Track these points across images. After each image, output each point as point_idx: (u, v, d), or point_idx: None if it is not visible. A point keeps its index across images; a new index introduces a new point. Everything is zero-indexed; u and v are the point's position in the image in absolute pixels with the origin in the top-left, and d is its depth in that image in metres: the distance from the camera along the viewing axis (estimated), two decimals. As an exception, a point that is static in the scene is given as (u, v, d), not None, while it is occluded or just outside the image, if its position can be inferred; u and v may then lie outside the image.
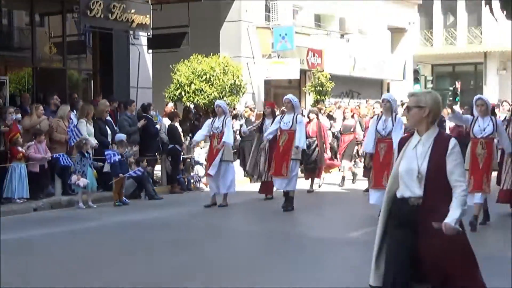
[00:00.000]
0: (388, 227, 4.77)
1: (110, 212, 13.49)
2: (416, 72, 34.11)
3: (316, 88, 24.90)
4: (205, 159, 15.33)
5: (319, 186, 16.98)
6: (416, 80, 33.72)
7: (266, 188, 14.41)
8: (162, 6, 19.36)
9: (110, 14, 16.62)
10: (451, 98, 32.42)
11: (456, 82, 35.09)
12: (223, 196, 13.90)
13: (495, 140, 11.50)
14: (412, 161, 4.59)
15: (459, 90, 32.51)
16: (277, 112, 15.70)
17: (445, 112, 14.36)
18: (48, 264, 8.92)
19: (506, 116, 13.15)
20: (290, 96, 13.77)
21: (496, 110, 17.27)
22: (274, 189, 14.04)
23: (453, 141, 4.67)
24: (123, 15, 16.97)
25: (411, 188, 4.56)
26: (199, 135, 14.48)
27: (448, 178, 4.54)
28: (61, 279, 7.88)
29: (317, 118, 16.85)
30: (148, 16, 17.62)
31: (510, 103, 17.53)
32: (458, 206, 4.47)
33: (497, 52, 38.37)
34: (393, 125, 11.28)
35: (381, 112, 11.89)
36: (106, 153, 14.60)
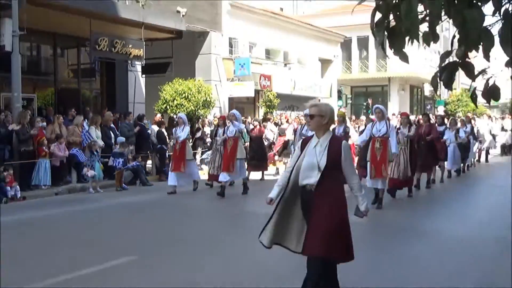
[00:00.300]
0: (288, 204, 4.79)
1: (113, 195, 13.53)
2: (339, 92, 34.95)
3: (266, 103, 25.09)
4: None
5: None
6: (339, 98, 34.49)
7: (213, 178, 13.79)
8: (152, 43, 19.46)
9: (113, 48, 16.62)
10: (365, 111, 33.36)
11: (368, 99, 36.14)
12: (193, 182, 13.94)
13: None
14: (313, 158, 4.63)
15: (370, 104, 33.00)
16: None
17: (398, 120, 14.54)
18: (66, 232, 9.13)
19: (396, 125, 12.96)
20: (234, 111, 14.07)
21: (395, 119, 18.05)
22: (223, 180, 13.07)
23: (344, 143, 4.80)
24: (123, 49, 16.98)
25: (310, 178, 4.62)
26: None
27: (342, 170, 4.68)
28: (76, 243, 8.19)
29: (259, 125, 16.67)
30: (142, 49, 17.61)
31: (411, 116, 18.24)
32: (358, 190, 4.78)
33: (397, 77, 39.07)
34: (386, 128, 10.94)
35: (374, 119, 11.55)
36: (112, 154, 14.81)
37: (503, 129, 25.79)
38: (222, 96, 23.30)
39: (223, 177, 12.75)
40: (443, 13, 2.58)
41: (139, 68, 19.60)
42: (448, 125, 17.45)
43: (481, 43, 2.76)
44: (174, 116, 18.09)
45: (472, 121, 20.21)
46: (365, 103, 36.18)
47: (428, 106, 43.49)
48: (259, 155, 15.81)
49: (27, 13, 13.78)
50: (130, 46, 17.36)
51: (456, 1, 2.58)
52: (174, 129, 14.44)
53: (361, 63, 40.24)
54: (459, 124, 17.59)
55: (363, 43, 39.56)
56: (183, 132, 13.57)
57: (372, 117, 13.10)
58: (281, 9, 35.87)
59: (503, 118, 29.26)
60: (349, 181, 4.77)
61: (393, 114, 26.63)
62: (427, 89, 43.08)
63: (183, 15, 20.33)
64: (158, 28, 18.57)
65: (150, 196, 13.41)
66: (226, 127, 13.30)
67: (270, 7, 29.27)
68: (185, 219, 10.65)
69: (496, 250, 7.71)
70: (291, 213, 4.84)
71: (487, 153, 23.03)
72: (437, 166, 15.27)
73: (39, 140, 13.66)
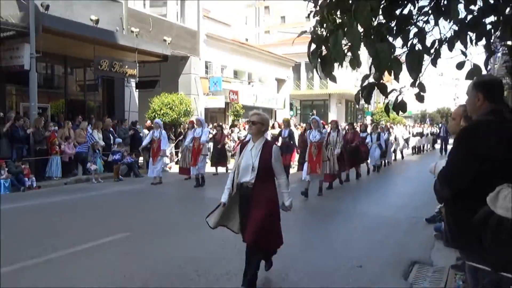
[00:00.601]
0: (233, 197, 4.76)
1: (111, 185, 13.31)
2: (291, 104, 35.05)
3: (234, 113, 25.02)
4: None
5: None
6: (291, 109, 34.64)
7: (184, 171, 13.61)
8: (144, 64, 19.30)
9: (113, 68, 16.42)
10: (311, 121, 33.45)
11: (313, 110, 36.50)
12: (158, 178, 13.18)
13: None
14: (249, 159, 4.56)
15: (314, 114, 33.49)
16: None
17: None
18: (73, 214, 9.07)
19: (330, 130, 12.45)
20: (199, 117, 14.07)
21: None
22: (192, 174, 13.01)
23: (275, 147, 4.71)
24: (120, 69, 16.79)
25: (247, 176, 4.55)
26: (145, 142, 13.51)
27: (272, 171, 4.57)
28: (81, 223, 8.12)
29: (222, 130, 16.35)
30: (135, 70, 17.46)
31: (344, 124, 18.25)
32: (285, 187, 4.68)
33: (335, 93, 39.24)
34: (320, 135, 10.74)
35: (311, 126, 11.28)
36: (111, 152, 14.71)
37: (413, 134, 26.41)
38: (199, 107, 23.14)
39: (193, 171, 12.74)
40: (362, 44, 2.58)
41: (133, 84, 19.33)
42: (370, 131, 17.64)
43: (392, 69, 2.79)
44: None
45: (390, 129, 20.51)
46: (310, 113, 36.03)
47: (359, 116, 44.00)
48: (219, 153, 15.76)
49: (43, 39, 13.68)
50: (126, 66, 17.17)
51: (372, 36, 2.59)
52: (151, 131, 13.75)
53: (308, 82, 40.51)
54: (379, 130, 17.78)
55: (309, 67, 38.92)
56: (161, 135, 13.01)
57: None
58: (246, 39, 35.96)
59: (413, 126, 30.19)
60: (278, 179, 4.67)
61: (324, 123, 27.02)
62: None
63: (168, 43, 20.16)
64: (149, 53, 18.41)
65: (141, 185, 13.13)
66: (193, 130, 13.15)
67: (238, 37, 29.30)
68: (167, 203, 10.59)
69: (407, 226, 7.92)
70: (234, 204, 4.80)
71: (402, 153, 23.22)
72: (362, 164, 15.29)
73: (51, 140, 13.52)
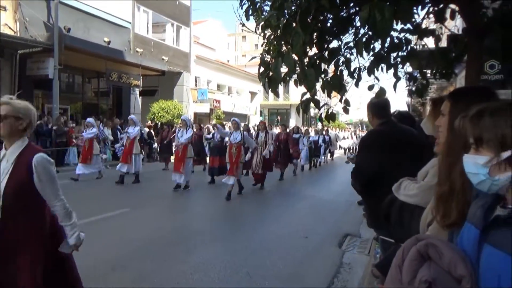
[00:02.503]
0: None
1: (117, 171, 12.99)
2: (261, 112, 35.13)
3: (216, 117, 24.65)
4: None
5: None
6: (261, 115, 34.73)
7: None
8: (146, 77, 18.98)
9: (121, 79, 16.18)
10: (276, 124, 33.13)
11: (278, 117, 36.50)
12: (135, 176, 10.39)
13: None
14: None
15: (279, 121, 33.69)
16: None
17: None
18: (88, 189, 8.87)
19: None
20: (185, 116, 10.09)
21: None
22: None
23: (38, 157, 2.05)
24: (127, 80, 16.53)
25: None
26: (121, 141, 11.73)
27: (34, 197, 2.05)
28: (95, 196, 7.96)
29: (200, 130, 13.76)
30: (139, 81, 17.30)
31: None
32: (64, 218, 2.13)
33: (295, 104, 38.02)
34: (241, 137, 8.74)
35: (229, 127, 9.44)
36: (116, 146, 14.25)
37: (344, 138, 24.83)
38: (190, 111, 22.91)
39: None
40: (297, 69, 2.62)
41: (137, 92, 19.06)
42: (302, 133, 15.34)
43: (325, 88, 2.85)
44: (158, 123, 17.80)
45: (325, 132, 18.51)
46: (276, 119, 36.32)
47: (312, 122, 44.30)
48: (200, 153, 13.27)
49: (65, 55, 13.39)
50: (132, 78, 16.94)
51: (304, 63, 2.64)
52: (126, 127, 10.93)
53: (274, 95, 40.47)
54: (312, 133, 15.80)
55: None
56: (134, 131, 10.20)
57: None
58: (228, 61, 35.81)
59: (355, 132, 29.97)
60: (52, 208, 2.12)
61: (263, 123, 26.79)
62: (312, 112, 43.51)
63: (166, 61, 19.83)
64: (150, 68, 18.16)
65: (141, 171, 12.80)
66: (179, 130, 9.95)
67: (220, 59, 29.18)
68: (158, 185, 10.22)
69: (345, 207, 8.01)
70: None
71: (333, 153, 20.63)
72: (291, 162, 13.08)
73: (70, 135, 13.19)
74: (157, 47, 20.11)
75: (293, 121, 38.01)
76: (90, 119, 11.01)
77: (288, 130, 13.09)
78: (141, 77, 17.64)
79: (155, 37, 20.65)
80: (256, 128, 9.77)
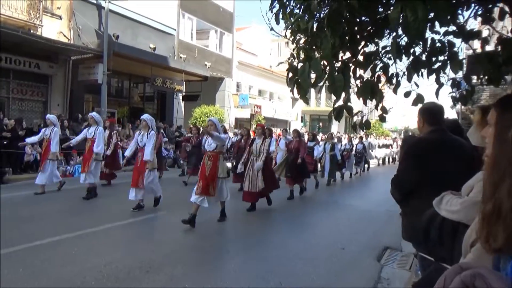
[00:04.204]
0: None
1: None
2: (302, 118, 34.76)
3: (258, 122, 24.80)
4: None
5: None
6: (302, 121, 34.37)
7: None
8: (189, 82, 19.46)
9: (165, 84, 16.65)
10: (317, 130, 32.59)
11: (320, 123, 36.01)
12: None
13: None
14: None
15: (321, 127, 33.28)
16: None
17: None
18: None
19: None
20: (146, 115, 7.54)
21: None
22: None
23: None
24: (171, 85, 16.99)
25: None
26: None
27: None
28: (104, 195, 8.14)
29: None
30: (182, 86, 17.71)
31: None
32: None
33: None
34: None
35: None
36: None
37: (379, 146, 22.52)
38: (231, 117, 23.19)
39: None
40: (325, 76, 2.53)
41: (180, 97, 19.58)
42: (320, 140, 13.50)
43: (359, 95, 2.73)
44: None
45: (359, 139, 16.58)
46: (317, 125, 35.90)
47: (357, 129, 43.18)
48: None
49: (113, 61, 13.99)
50: (175, 83, 17.38)
51: (333, 67, 2.54)
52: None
53: (316, 101, 39.78)
54: (335, 140, 13.36)
55: (317, 88, 38.82)
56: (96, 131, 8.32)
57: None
58: (270, 66, 35.80)
59: (395, 139, 28.24)
60: None
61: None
62: (354, 118, 42.34)
63: (208, 67, 20.23)
64: (193, 73, 18.56)
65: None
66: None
67: (262, 64, 29.29)
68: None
69: (385, 218, 7.72)
70: None
71: (368, 163, 17.96)
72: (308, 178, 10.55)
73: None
74: (200, 53, 20.62)
75: (335, 128, 37.30)
76: (50, 116, 8.45)
77: (301, 137, 10.13)
78: (184, 82, 18.11)
79: (199, 43, 21.18)
80: (256, 132, 7.91)
